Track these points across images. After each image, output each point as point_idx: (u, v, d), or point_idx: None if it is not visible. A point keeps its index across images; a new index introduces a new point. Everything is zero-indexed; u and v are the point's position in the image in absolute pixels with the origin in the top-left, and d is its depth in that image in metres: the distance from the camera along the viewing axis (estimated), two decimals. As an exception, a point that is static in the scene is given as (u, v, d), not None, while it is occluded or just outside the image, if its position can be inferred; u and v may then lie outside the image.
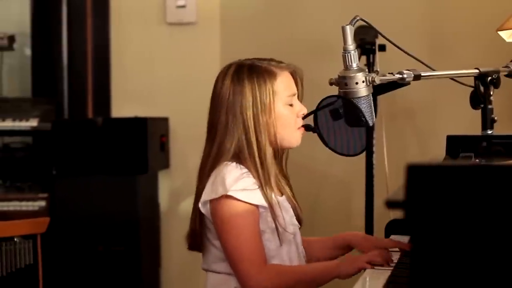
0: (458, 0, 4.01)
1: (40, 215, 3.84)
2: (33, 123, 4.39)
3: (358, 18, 2.37)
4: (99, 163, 4.15)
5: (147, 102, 4.62)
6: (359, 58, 3.45)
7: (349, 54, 2.31)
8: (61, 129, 4.22)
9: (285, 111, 2.43)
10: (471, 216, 1.21)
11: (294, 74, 2.50)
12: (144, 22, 4.69)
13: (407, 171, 1.23)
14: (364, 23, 3.52)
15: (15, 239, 3.14)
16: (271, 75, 2.41)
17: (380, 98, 3.60)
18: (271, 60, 2.48)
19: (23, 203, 4.21)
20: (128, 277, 4.13)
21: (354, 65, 2.31)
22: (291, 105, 2.45)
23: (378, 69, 2.72)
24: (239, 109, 2.38)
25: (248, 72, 2.41)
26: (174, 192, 4.60)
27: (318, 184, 4.31)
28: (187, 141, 4.48)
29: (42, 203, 4.23)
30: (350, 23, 2.33)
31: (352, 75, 2.30)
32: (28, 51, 4.89)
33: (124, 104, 4.67)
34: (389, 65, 2.60)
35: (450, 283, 1.22)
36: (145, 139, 4.15)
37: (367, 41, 3.48)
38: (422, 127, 4.06)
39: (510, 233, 1.19)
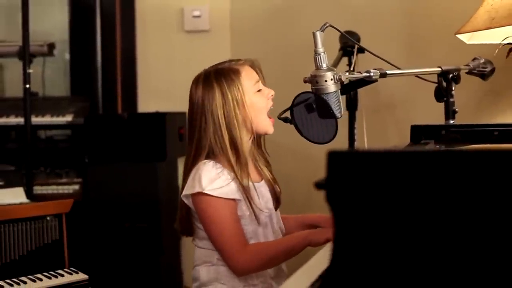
0: (431, 8, 3.98)
1: (74, 198, 3.86)
2: (68, 118, 4.42)
3: (327, 24, 2.37)
4: (125, 152, 4.18)
5: (168, 98, 4.63)
6: (340, 59, 3.47)
7: (319, 56, 2.32)
8: (92, 123, 4.25)
9: (256, 98, 2.44)
10: (385, 197, 1.20)
11: (253, 66, 2.51)
12: (165, 30, 4.71)
13: (328, 157, 1.23)
14: (344, 29, 3.54)
15: (47, 218, 3.16)
16: (236, 73, 2.42)
17: (362, 93, 3.58)
18: (231, 60, 2.50)
19: (60, 187, 4.26)
20: (151, 249, 4.16)
21: (324, 65, 2.32)
22: (259, 91, 2.46)
23: (351, 68, 2.71)
24: (210, 112, 2.39)
25: (215, 76, 2.42)
26: (191, 176, 4.61)
27: (312, 167, 4.29)
28: (202, 132, 4.49)
29: (76, 187, 4.27)
30: (320, 29, 2.33)
31: (322, 74, 2.30)
32: (67, 56, 4.92)
33: (149, 101, 4.70)
34: (370, 65, 2.59)
35: (370, 258, 1.22)
36: (164, 131, 4.17)
37: (348, 45, 3.45)
38: (401, 119, 4.03)
39: (417, 210, 1.19)
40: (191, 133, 2.46)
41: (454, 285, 1.17)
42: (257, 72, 2.51)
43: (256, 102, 2.44)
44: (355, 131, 3.57)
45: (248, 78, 2.45)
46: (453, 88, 2.74)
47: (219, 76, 2.42)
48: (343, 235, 1.23)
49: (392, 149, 1.15)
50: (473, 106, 3.75)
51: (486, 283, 1.16)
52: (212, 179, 2.34)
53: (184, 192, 2.41)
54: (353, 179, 1.21)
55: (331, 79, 2.30)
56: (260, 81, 2.49)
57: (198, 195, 2.35)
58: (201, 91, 2.42)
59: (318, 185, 1.25)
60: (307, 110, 2.47)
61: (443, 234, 1.17)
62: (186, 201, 2.41)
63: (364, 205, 1.21)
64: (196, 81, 2.46)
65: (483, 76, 2.93)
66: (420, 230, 1.18)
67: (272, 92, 2.49)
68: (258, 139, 2.56)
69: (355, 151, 1.21)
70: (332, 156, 1.22)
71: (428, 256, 1.17)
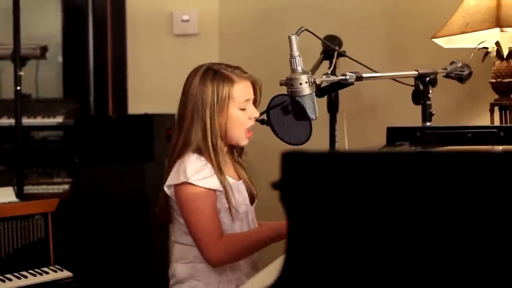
0: (412, 13, 3.99)
1: (64, 197, 3.87)
2: (59, 119, 4.42)
3: (303, 29, 2.38)
4: (114, 153, 4.18)
5: (158, 100, 4.62)
6: (321, 62, 3.47)
7: (294, 59, 2.33)
8: (82, 124, 4.25)
9: (238, 114, 2.44)
10: (337, 197, 1.20)
11: (254, 84, 2.51)
12: (155, 34, 4.72)
13: (281, 157, 1.23)
14: (330, 33, 3.53)
15: (36, 216, 3.17)
16: (230, 82, 2.42)
17: (343, 96, 3.58)
18: (237, 68, 2.49)
19: (50, 186, 4.26)
20: (140, 248, 4.16)
21: (299, 68, 2.33)
22: (244, 109, 2.45)
23: (330, 72, 2.71)
24: (201, 106, 2.39)
25: (212, 75, 2.42)
26: (179, 177, 4.61)
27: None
28: (191, 133, 4.49)
29: (66, 187, 4.27)
30: (296, 33, 2.34)
31: (297, 77, 2.31)
32: (60, 59, 4.92)
33: (139, 103, 4.71)
34: (352, 68, 2.59)
35: (322, 257, 1.22)
36: (152, 132, 4.17)
37: (330, 48, 3.45)
38: (382, 121, 4.03)
39: (369, 210, 1.19)
40: (180, 122, 2.46)
41: (409, 285, 1.18)
42: (255, 91, 2.51)
43: (235, 117, 2.44)
44: (336, 132, 3.58)
45: (241, 92, 2.45)
46: (430, 91, 2.75)
47: (215, 76, 2.42)
48: (296, 234, 1.23)
49: (343, 151, 1.15)
50: (452, 109, 3.76)
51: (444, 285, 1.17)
52: (197, 170, 2.36)
53: (168, 182, 2.41)
54: (305, 179, 1.21)
55: (306, 82, 2.31)
56: (250, 101, 2.49)
57: (182, 185, 2.37)
58: (198, 83, 2.42)
59: (275, 186, 1.26)
60: (283, 112, 2.47)
61: (393, 234, 1.17)
62: (168, 191, 2.42)
63: (316, 205, 1.21)
64: (196, 71, 2.47)
65: (461, 79, 2.93)
66: (369, 230, 1.19)
67: (256, 114, 2.49)
68: (233, 146, 2.57)
69: (307, 152, 1.21)
70: (286, 157, 1.23)
71: (375, 254, 1.18)
